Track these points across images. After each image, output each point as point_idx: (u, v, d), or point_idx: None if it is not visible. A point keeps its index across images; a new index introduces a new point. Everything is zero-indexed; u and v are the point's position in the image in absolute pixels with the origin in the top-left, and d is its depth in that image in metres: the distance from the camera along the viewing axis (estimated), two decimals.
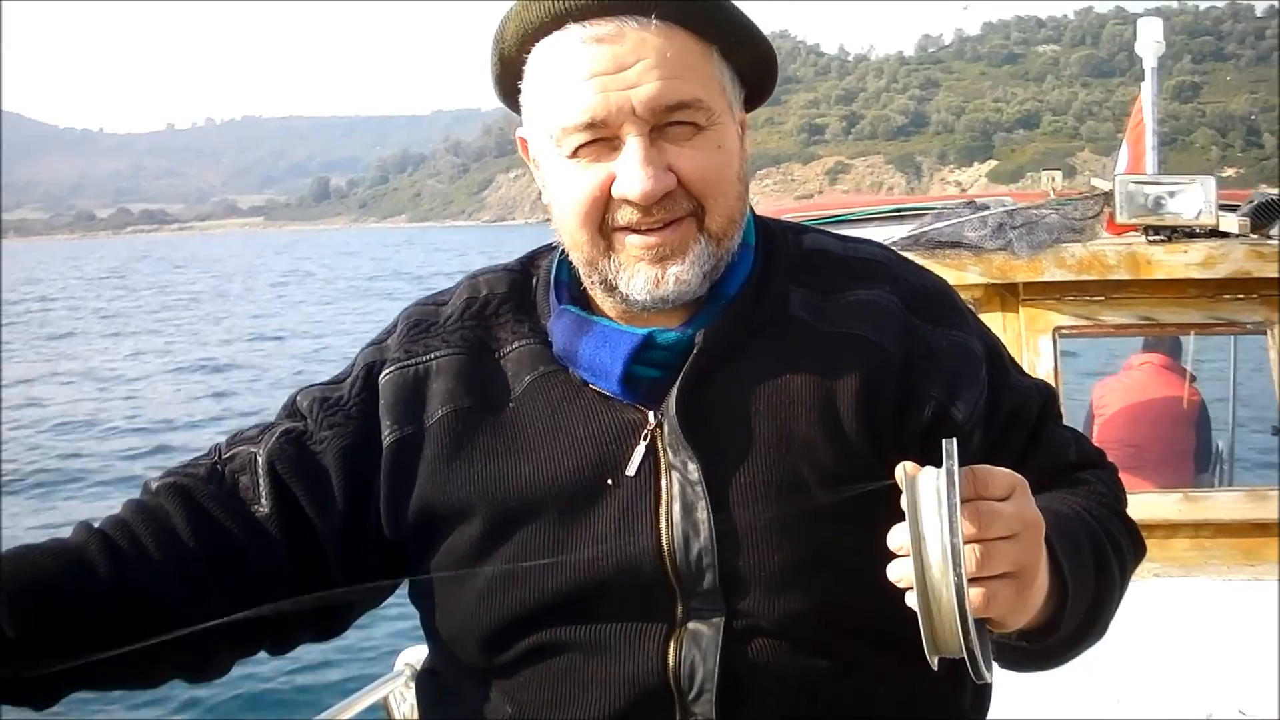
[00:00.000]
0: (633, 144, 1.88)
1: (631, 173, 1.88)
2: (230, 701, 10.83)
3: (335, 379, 2.20)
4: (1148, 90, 6.92)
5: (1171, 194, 5.09)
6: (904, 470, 1.59)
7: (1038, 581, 1.68)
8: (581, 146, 1.91)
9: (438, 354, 2.12)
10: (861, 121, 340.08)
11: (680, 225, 1.93)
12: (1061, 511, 1.88)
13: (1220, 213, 5.12)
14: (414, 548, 2.07)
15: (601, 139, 1.90)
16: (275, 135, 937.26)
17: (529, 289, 2.19)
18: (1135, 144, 7.15)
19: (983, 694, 2.15)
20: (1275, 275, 5.03)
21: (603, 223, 1.95)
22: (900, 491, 1.58)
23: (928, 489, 1.53)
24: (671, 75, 1.88)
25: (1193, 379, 7.47)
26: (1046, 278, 5.13)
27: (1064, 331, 5.22)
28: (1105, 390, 7.45)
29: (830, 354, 2.02)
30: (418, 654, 4.03)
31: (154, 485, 2.07)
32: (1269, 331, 5.08)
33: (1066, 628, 1.87)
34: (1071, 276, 5.12)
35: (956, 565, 1.47)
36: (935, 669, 1.59)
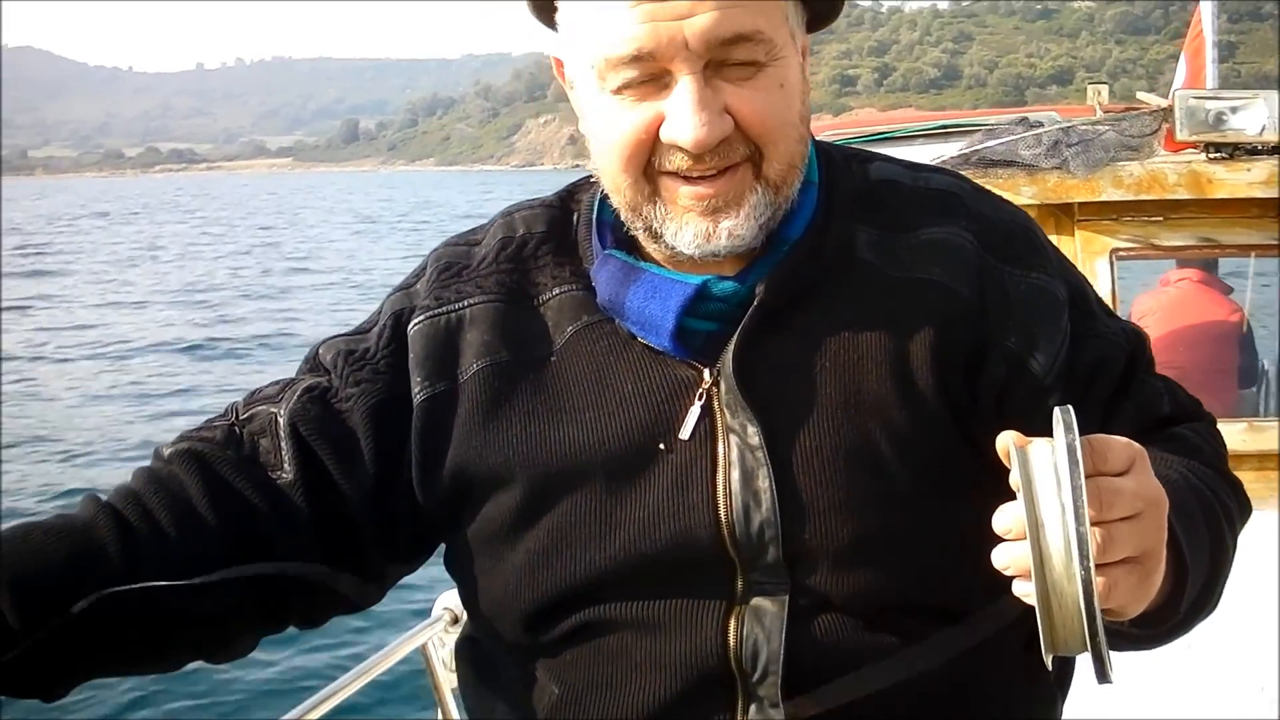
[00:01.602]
0: (685, 83, 1.68)
1: (684, 117, 1.68)
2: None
3: (360, 328, 2.04)
4: (1207, 5, 6.74)
5: (1234, 109, 4.92)
6: (1011, 442, 1.39)
7: (1160, 566, 1.50)
8: (626, 83, 1.71)
9: (471, 301, 1.95)
10: (894, 74, 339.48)
11: (735, 173, 1.75)
12: (1170, 478, 1.65)
13: None
14: (448, 514, 1.93)
15: (649, 75, 1.70)
16: (305, 77, 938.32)
17: (569, 227, 2.01)
18: (1194, 58, 7.00)
19: (1064, 669, 2.02)
20: None
21: (648, 166, 1.75)
22: (994, 461, 1.46)
23: (1043, 466, 1.36)
24: (732, 3, 1.67)
25: (1229, 291, 7.35)
26: (1103, 198, 4.98)
27: (1121, 254, 5.08)
28: (1143, 309, 7.27)
29: (901, 302, 1.85)
30: (454, 599, 3.92)
31: (166, 452, 1.92)
32: None
33: (1183, 610, 1.69)
34: (1129, 196, 4.97)
35: (1084, 557, 1.30)
36: (1050, 668, 1.43)
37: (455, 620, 3.90)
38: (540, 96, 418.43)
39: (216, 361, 28.76)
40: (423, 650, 3.87)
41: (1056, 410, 1.36)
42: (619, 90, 1.72)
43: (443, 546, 2.04)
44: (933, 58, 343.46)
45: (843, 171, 1.96)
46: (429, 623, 3.90)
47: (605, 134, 1.77)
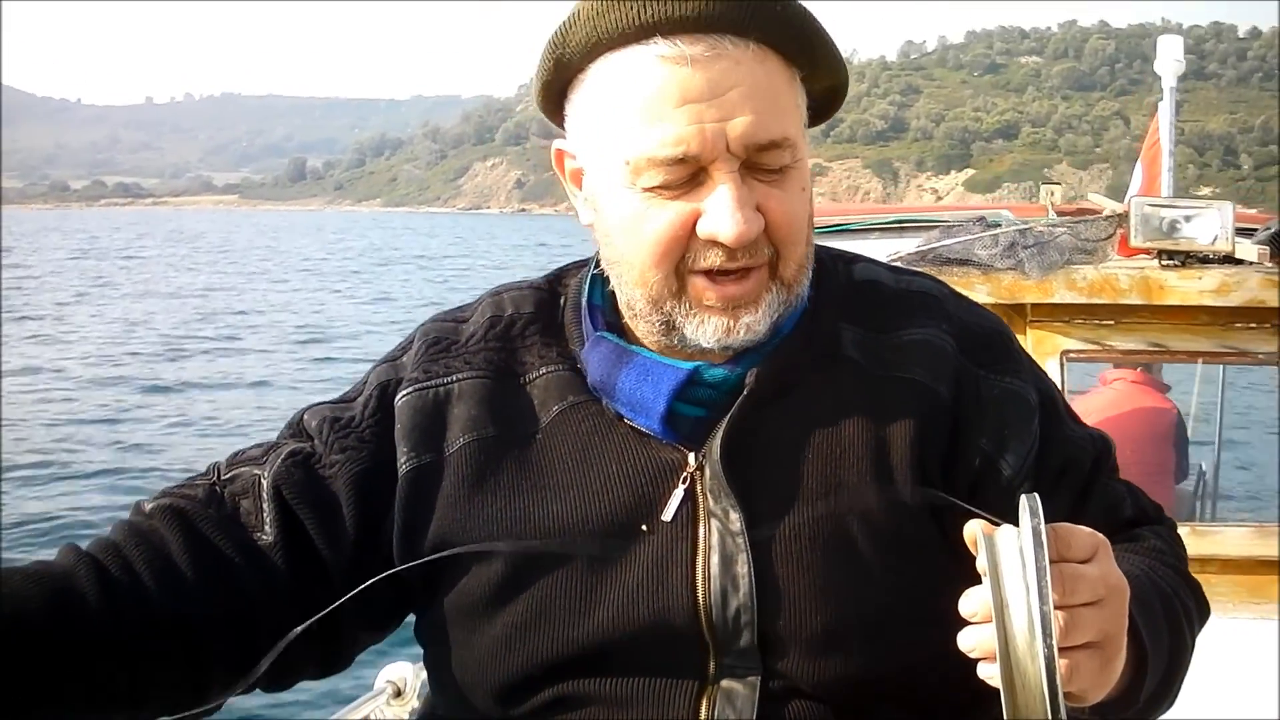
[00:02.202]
0: (727, 182, 1.75)
1: (725, 214, 1.74)
2: None
3: (345, 397, 2.07)
4: (1165, 111, 6.86)
5: (1188, 218, 5.01)
6: (979, 530, 1.45)
7: (1121, 652, 1.55)
8: (665, 183, 1.76)
9: (460, 376, 1.99)
10: (841, 125, 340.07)
11: (757, 274, 1.82)
12: (1132, 573, 1.68)
13: (1237, 238, 5.04)
14: (426, 584, 1.95)
15: (689, 174, 1.76)
16: (254, 113, 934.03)
17: (556, 310, 2.06)
18: (1150, 165, 7.10)
19: None
20: None
21: (679, 263, 1.81)
22: (963, 553, 1.49)
23: (1009, 550, 1.41)
24: (767, 109, 1.75)
25: (1167, 390, 7.44)
26: (1056, 299, 5.05)
27: (1072, 355, 5.14)
28: (1083, 408, 7.32)
29: (883, 399, 1.90)
30: (398, 671, 3.94)
31: (147, 507, 1.94)
32: None
33: (1142, 699, 1.74)
34: (1081, 299, 5.04)
35: (1047, 635, 1.34)
36: None
37: (398, 693, 3.91)
38: (489, 140, 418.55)
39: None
40: None
41: (1023, 497, 1.40)
42: (653, 189, 1.76)
43: (411, 618, 2.05)
44: (880, 110, 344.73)
45: (829, 270, 2.01)
46: (371, 695, 3.93)
47: (638, 231, 1.80)
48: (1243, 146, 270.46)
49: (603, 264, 1.96)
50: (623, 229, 1.84)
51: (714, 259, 1.79)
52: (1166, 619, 1.82)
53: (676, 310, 1.84)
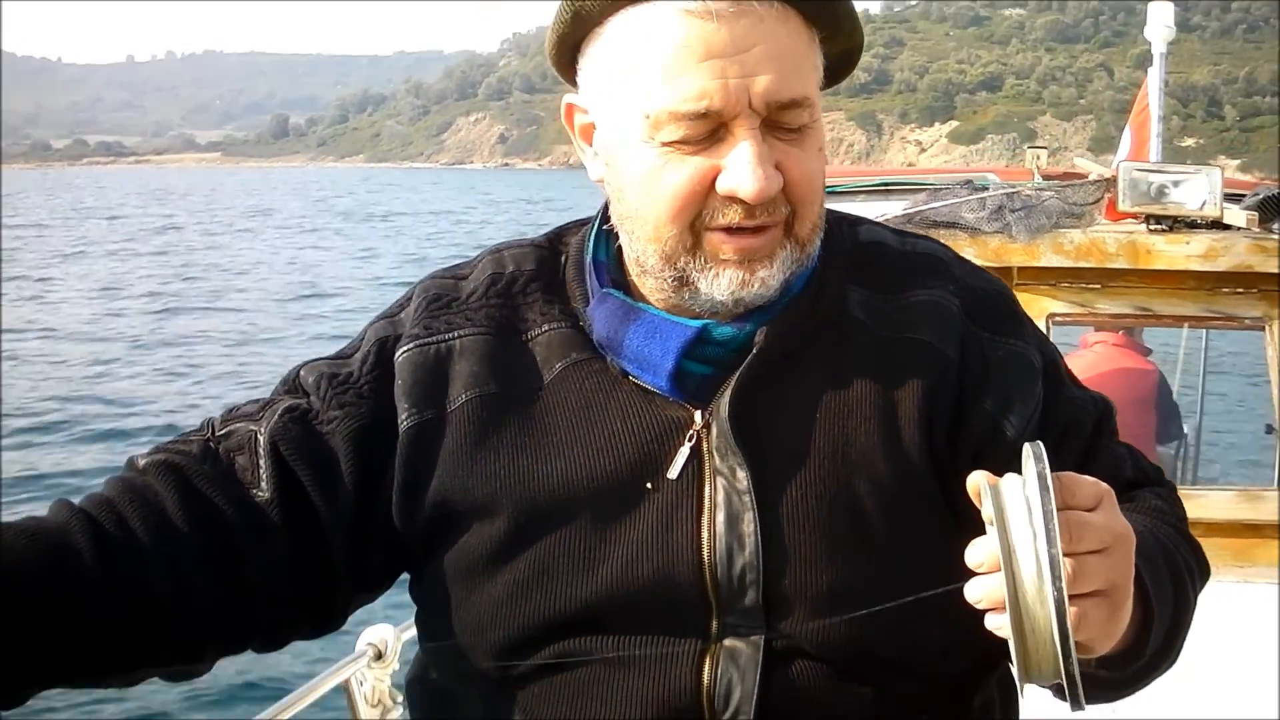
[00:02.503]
0: (748, 138, 1.74)
1: (746, 171, 1.73)
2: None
3: (341, 353, 2.05)
4: (1155, 76, 6.85)
5: (1176, 183, 5.02)
6: (983, 480, 1.46)
7: (1128, 602, 1.55)
8: (685, 137, 1.75)
9: (461, 332, 1.97)
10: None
11: (773, 231, 1.81)
12: (1135, 528, 1.67)
13: (1225, 204, 5.03)
14: (425, 542, 1.94)
15: (710, 129, 1.75)
16: (236, 71, 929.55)
17: (557, 267, 2.05)
18: (1139, 130, 7.08)
19: None
20: (1276, 270, 4.98)
21: (695, 218, 1.80)
22: (969, 516, 1.49)
23: (1014, 496, 1.40)
24: (789, 67, 1.75)
25: (1148, 353, 7.45)
26: (1043, 263, 5.07)
27: (1058, 319, 5.15)
28: None
29: (891, 361, 1.91)
30: (379, 633, 3.92)
31: (141, 462, 1.92)
32: (1268, 327, 5.02)
33: (1148, 654, 1.74)
34: (1068, 263, 5.05)
35: (1056, 578, 1.33)
36: (1024, 696, 1.49)
37: (379, 656, 3.90)
38: (471, 95, 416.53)
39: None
40: (345, 686, 3.86)
41: (1026, 445, 1.40)
42: (672, 143, 1.75)
43: (405, 577, 2.04)
44: (864, 62, 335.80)
45: (834, 232, 2.00)
46: (352, 658, 3.89)
47: (655, 185, 1.79)
48: (1227, 98, 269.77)
49: (614, 219, 1.94)
50: (639, 184, 1.82)
51: (732, 215, 1.78)
52: (1170, 574, 1.82)
53: (691, 265, 1.83)
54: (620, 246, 1.98)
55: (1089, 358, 7.29)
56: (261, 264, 51.57)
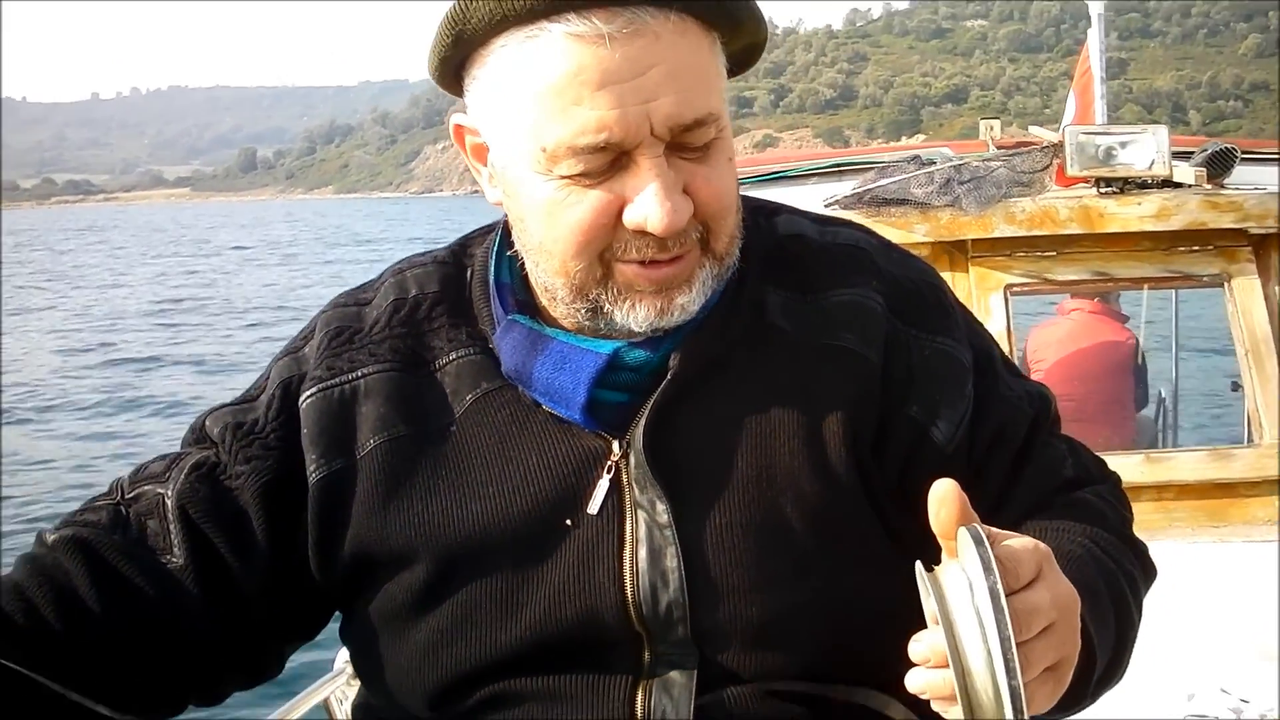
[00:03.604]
0: (651, 168, 1.62)
1: (654, 204, 1.61)
2: None
3: (247, 395, 1.95)
4: (1094, 38, 6.80)
5: (1123, 144, 4.99)
6: (922, 574, 1.35)
7: (1073, 664, 1.47)
8: (585, 170, 1.62)
9: (365, 370, 1.86)
10: (790, 95, 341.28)
11: (689, 256, 1.70)
12: (1074, 554, 1.63)
13: (1173, 162, 5.00)
14: (346, 591, 1.87)
15: (610, 161, 1.62)
16: (201, 106, 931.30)
17: (463, 286, 1.93)
18: (1083, 93, 7.04)
19: None
20: (1231, 226, 4.96)
21: (604, 250, 1.69)
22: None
23: (963, 606, 1.31)
24: (691, 85, 1.61)
25: (1126, 320, 7.43)
26: (996, 234, 5.03)
27: (1015, 289, 5.12)
28: (1039, 341, 7.36)
29: (813, 371, 1.80)
30: None
31: (50, 539, 1.82)
32: (1225, 284, 4.99)
33: (1090, 690, 1.68)
34: (1022, 232, 5.02)
35: (1019, 712, 1.26)
36: None
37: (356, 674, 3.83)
38: (438, 122, 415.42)
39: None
40: (325, 705, 3.78)
41: (965, 534, 1.33)
42: (571, 177, 1.63)
43: (338, 615, 1.97)
44: (828, 78, 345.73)
45: (752, 227, 1.88)
46: (331, 676, 3.82)
47: (556, 219, 1.67)
48: (1190, 102, 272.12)
49: (518, 246, 1.83)
50: (539, 216, 1.71)
51: (644, 250, 1.67)
52: (1112, 601, 1.74)
53: (604, 296, 1.72)
54: (524, 266, 1.87)
55: (1066, 325, 7.25)
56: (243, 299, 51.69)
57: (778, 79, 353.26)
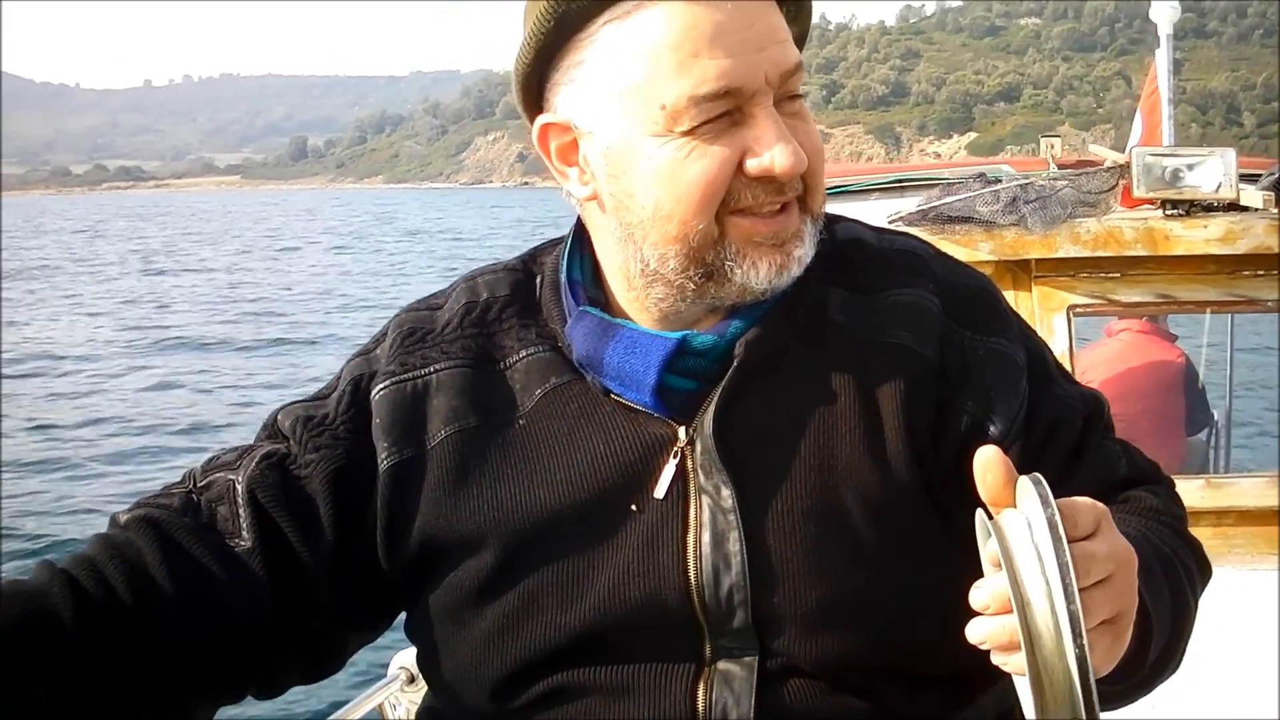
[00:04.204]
0: (769, 115, 1.70)
1: (781, 146, 1.69)
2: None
3: (319, 394, 2.01)
4: (1163, 59, 6.76)
5: (1190, 166, 4.95)
6: (982, 519, 1.40)
7: (1130, 624, 1.50)
8: (707, 120, 1.69)
9: (437, 366, 1.93)
10: (842, 91, 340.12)
11: (794, 208, 1.77)
12: (1131, 536, 1.60)
13: (1240, 185, 4.98)
14: (413, 581, 1.90)
15: (728, 110, 1.70)
16: (252, 94, 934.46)
17: (532, 290, 1.99)
18: (1150, 114, 7.01)
19: None
20: None
21: (719, 210, 1.74)
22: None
23: (1022, 543, 1.34)
24: (785, 37, 1.73)
25: (1174, 339, 7.39)
26: (1060, 254, 5.00)
27: (1078, 310, 5.09)
28: (1087, 361, 7.31)
29: (871, 365, 1.84)
30: (411, 657, 3.88)
31: (123, 518, 1.87)
32: None
33: (1147, 666, 1.69)
34: (1086, 253, 4.98)
35: (1077, 635, 1.28)
36: None
37: (411, 679, 3.86)
38: (489, 114, 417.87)
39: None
40: (379, 710, 3.83)
41: (1025, 479, 1.35)
42: (692, 131, 1.69)
43: (403, 615, 2.00)
44: (880, 75, 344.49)
45: None
46: (385, 682, 3.86)
47: (678, 177, 1.72)
48: (1245, 104, 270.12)
49: (616, 233, 1.84)
50: (660, 181, 1.74)
51: (759, 195, 1.73)
52: (1168, 582, 1.76)
53: (723, 255, 1.76)
54: (596, 263, 1.95)
55: (1115, 346, 7.22)
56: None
57: (830, 75, 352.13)
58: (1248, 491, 4.81)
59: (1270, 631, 4.15)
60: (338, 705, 3.68)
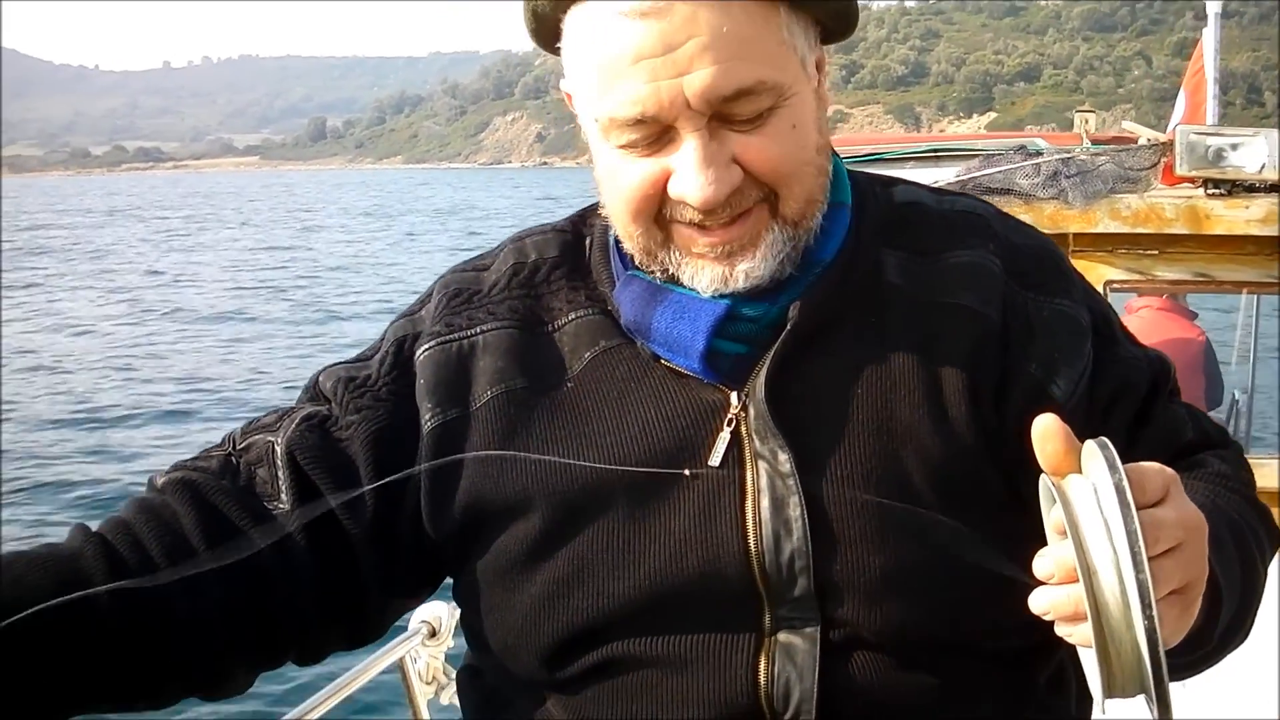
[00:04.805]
0: (690, 143, 1.63)
1: (689, 177, 1.62)
2: None
3: (361, 356, 1.97)
4: (1210, 38, 6.73)
5: (1234, 146, 4.94)
6: (1047, 484, 1.37)
7: (1201, 592, 1.46)
8: (631, 142, 1.66)
9: (483, 327, 1.87)
10: (861, 71, 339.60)
11: (749, 216, 1.69)
12: (1198, 502, 1.54)
13: None
14: (459, 546, 1.85)
15: (654, 133, 1.64)
16: (272, 75, 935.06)
17: (582, 252, 1.94)
18: (1194, 93, 7.00)
19: (1086, 705, 1.93)
20: None
21: (659, 215, 1.71)
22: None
23: (1088, 510, 1.31)
24: (730, 56, 1.60)
25: (1194, 317, 7.38)
26: (1100, 229, 4.98)
27: (1115, 286, 5.08)
28: None
29: (932, 327, 1.79)
30: (433, 610, 3.87)
31: (160, 481, 1.84)
32: None
33: (1215, 638, 1.66)
34: (1125, 229, 4.98)
35: (1146, 606, 1.25)
36: (1103, 712, 1.37)
37: (433, 634, 3.86)
38: (508, 94, 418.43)
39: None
40: (400, 664, 3.83)
41: (1092, 444, 1.33)
42: (623, 146, 1.67)
43: (449, 580, 1.97)
44: (900, 55, 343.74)
45: (868, 194, 1.91)
46: (406, 636, 3.84)
47: (612, 185, 1.72)
48: (1266, 84, 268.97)
49: None
50: (604, 182, 1.76)
51: (691, 214, 1.68)
52: (1238, 550, 1.72)
53: (668, 259, 1.75)
54: None
55: (1134, 323, 7.18)
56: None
57: (850, 55, 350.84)
58: (1272, 473, 4.83)
59: (1270, 626, 4.13)
60: (359, 659, 3.68)
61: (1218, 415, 7.53)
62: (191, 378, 25.02)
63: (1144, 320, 7.23)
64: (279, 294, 41.53)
